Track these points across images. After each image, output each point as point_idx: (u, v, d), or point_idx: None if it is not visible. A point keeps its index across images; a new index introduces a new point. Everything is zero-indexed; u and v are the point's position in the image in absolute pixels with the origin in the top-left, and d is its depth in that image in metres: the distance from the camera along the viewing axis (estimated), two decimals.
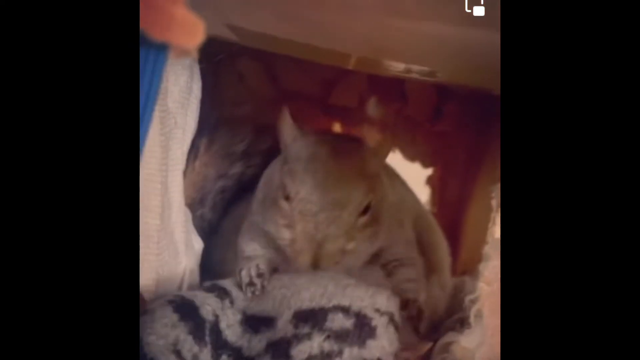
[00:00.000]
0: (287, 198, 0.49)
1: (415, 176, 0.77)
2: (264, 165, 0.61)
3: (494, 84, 0.34)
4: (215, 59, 0.59)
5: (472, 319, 0.43)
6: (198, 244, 0.56)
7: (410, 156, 0.78)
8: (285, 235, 0.50)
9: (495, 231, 0.43)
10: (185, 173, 0.52)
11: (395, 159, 0.76)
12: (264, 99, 0.74)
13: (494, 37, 0.33)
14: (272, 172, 0.55)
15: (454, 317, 0.54)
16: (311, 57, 0.56)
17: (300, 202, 0.48)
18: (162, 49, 0.32)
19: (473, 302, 0.42)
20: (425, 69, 0.50)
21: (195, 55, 0.31)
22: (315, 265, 0.47)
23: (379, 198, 0.51)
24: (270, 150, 0.63)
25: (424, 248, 0.59)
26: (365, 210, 0.49)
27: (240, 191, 0.66)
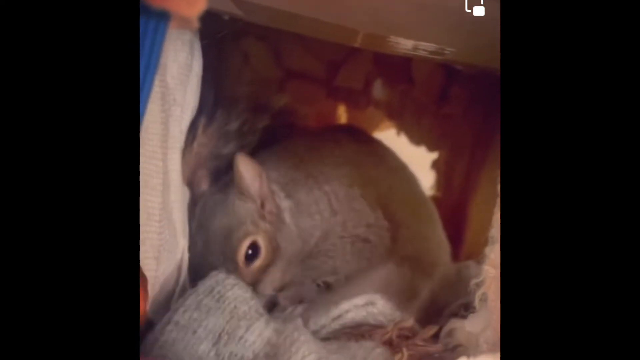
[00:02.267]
0: None
1: (420, 160, 0.76)
2: (259, 144, 0.60)
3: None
4: (218, 36, 0.58)
5: (476, 303, 0.42)
6: None
7: (416, 140, 0.77)
8: None
9: None
10: (184, 153, 0.51)
11: (401, 143, 0.75)
12: (268, 80, 0.73)
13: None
14: None
15: (459, 301, 0.54)
16: (317, 34, 0.55)
17: None
18: (162, 18, 0.31)
19: (478, 285, 0.42)
20: (434, 46, 0.48)
21: (196, 25, 0.30)
22: None
23: None
24: (267, 129, 0.61)
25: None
26: None
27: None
